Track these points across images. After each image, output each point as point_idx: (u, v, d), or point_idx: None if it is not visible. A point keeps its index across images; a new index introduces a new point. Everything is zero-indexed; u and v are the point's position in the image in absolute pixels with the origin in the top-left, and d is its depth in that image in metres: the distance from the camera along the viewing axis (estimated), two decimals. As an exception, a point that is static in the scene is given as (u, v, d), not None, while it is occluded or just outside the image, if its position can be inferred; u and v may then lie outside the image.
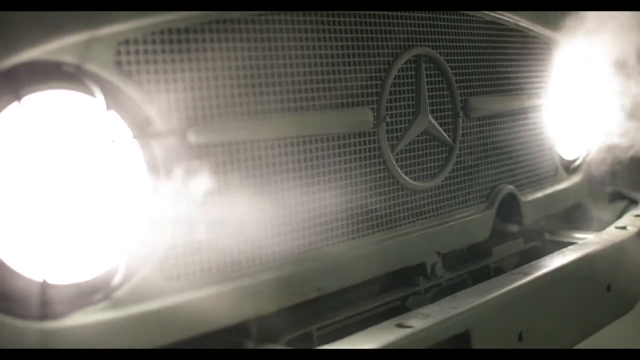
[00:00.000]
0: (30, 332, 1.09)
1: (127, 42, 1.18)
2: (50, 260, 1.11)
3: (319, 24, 1.43)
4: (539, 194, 2.02)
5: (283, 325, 1.41)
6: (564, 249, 1.82)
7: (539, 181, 2.04)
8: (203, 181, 1.26)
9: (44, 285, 1.09)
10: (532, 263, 1.71)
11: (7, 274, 1.08)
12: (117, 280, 1.17)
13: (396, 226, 1.61)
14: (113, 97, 1.18)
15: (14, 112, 1.08)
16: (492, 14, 1.82)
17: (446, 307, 1.42)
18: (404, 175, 1.61)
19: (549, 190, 2.07)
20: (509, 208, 1.91)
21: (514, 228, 1.95)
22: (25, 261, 1.09)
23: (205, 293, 1.26)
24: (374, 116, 1.54)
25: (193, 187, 1.25)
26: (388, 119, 1.57)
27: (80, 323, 1.13)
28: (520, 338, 1.52)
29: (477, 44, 1.79)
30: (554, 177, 2.10)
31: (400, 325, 1.34)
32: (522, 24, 1.94)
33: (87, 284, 1.15)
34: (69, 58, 1.13)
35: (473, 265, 1.83)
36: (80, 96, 1.14)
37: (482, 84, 1.81)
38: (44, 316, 1.09)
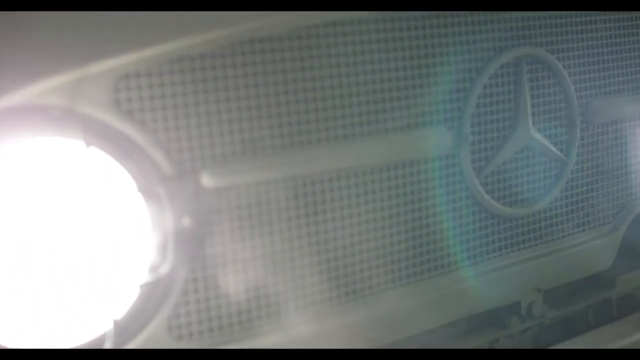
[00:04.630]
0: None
1: (127, 76, 1.03)
2: (49, 325, 1.03)
3: (377, 31, 1.20)
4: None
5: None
6: None
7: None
8: (221, 229, 1.11)
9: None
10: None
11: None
12: (116, 340, 1.06)
13: (480, 262, 1.36)
14: (111, 141, 1.04)
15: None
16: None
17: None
18: (493, 202, 1.35)
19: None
20: (643, 228, 1.59)
21: (650, 252, 1.62)
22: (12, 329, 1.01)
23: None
24: (453, 136, 1.29)
25: (210, 236, 1.10)
26: (472, 138, 1.31)
27: (75, 390, 1.04)
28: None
29: (597, 34, 1.45)
30: None
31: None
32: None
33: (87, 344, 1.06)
34: (56, 101, 1.00)
35: (589, 298, 1.54)
36: (71, 143, 1.02)
37: (609, 81, 1.48)
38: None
